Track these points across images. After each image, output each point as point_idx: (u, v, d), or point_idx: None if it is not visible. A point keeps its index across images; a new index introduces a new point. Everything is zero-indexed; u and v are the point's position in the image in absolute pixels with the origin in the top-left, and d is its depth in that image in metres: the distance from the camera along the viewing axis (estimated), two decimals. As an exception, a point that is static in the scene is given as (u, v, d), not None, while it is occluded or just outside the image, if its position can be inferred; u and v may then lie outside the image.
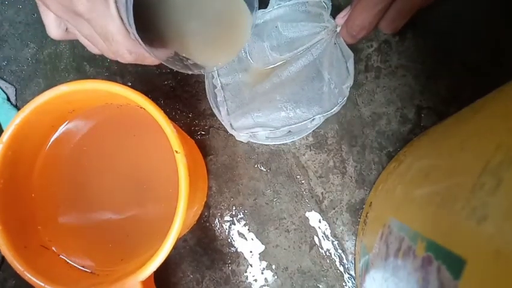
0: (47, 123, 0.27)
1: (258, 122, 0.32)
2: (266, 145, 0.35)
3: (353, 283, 0.33)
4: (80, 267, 0.27)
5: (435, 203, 0.19)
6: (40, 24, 0.27)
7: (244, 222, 0.35)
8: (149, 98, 0.24)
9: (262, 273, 0.34)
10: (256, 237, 0.35)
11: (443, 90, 0.34)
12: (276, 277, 0.34)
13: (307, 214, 0.34)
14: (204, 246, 0.35)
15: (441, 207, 0.18)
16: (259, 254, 0.34)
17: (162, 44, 0.27)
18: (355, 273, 0.33)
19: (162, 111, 0.24)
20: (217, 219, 0.35)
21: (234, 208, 0.35)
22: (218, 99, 0.33)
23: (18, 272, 0.23)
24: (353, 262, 0.34)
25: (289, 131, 0.32)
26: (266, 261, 0.34)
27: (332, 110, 0.31)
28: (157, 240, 0.23)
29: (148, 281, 0.23)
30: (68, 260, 0.27)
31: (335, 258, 0.34)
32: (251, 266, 0.34)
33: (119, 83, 0.24)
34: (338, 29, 0.31)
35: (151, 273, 0.22)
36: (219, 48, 0.29)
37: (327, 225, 0.34)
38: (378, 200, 0.30)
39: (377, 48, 0.35)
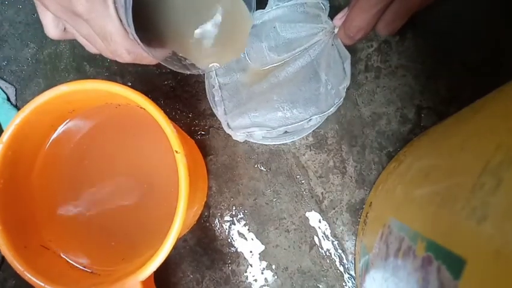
0: (47, 123, 0.27)
1: (254, 122, 0.32)
2: (266, 145, 0.35)
3: (353, 283, 0.33)
4: (80, 267, 0.27)
5: (435, 203, 0.19)
6: (40, 24, 0.27)
7: (244, 222, 0.35)
8: (149, 98, 0.24)
9: (262, 273, 0.34)
10: (256, 237, 0.35)
11: (443, 90, 0.34)
12: (276, 277, 0.34)
13: (307, 214, 0.34)
14: (204, 246, 0.35)
15: (441, 207, 0.18)
16: (259, 254, 0.34)
17: (160, 44, 0.27)
18: (355, 273, 0.33)
19: (162, 111, 0.24)
20: (217, 219, 0.35)
21: (234, 208, 0.35)
22: (215, 98, 0.33)
23: (18, 272, 0.23)
24: (353, 262, 0.34)
25: (286, 131, 0.33)
26: (266, 261, 0.34)
27: (329, 111, 0.31)
28: (157, 240, 0.23)
29: (148, 281, 0.23)
30: (68, 260, 0.27)
31: (335, 258, 0.34)
32: (251, 266, 0.34)
33: (119, 83, 0.24)
34: (336, 30, 0.31)
35: (151, 273, 0.22)
36: (217, 49, 0.29)
37: (327, 225, 0.34)
38: (378, 200, 0.30)
39: (377, 48, 0.35)
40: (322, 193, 0.35)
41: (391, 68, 0.35)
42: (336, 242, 0.34)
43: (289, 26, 0.33)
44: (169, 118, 0.24)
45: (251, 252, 0.34)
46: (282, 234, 0.34)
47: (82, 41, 0.26)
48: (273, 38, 0.33)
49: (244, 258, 0.34)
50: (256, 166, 0.35)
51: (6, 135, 0.24)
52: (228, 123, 0.32)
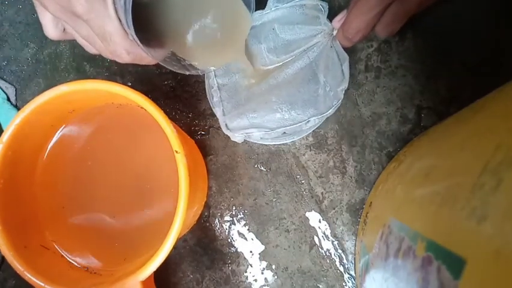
0: (47, 123, 0.27)
1: (253, 123, 0.32)
2: (266, 145, 0.35)
3: (353, 283, 0.33)
4: (81, 267, 0.27)
5: (435, 203, 0.19)
6: (40, 24, 0.27)
7: (244, 222, 0.35)
8: (149, 98, 0.24)
9: (262, 273, 0.34)
10: (256, 237, 0.35)
11: (443, 90, 0.34)
12: (276, 277, 0.34)
13: (307, 214, 0.34)
14: (204, 246, 0.35)
15: (441, 207, 0.18)
16: (259, 254, 0.34)
17: (160, 44, 0.27)
18: (355, 273, 0.33)
19: (162, 111, 0.24)
20: (217, 219, 0.35)
21: (234, 208, 0.35)
22: (214, 99, 0.33)
23: (18, 272, 0.23)
24: (353, 262, 0.34)
25: (284, 132, 0.33)
26: (266, 261, 0.34)
27: (327, 113, 0.31)
28: (157, 240, 0.23)
29: (148, 281, 0.23)
30: (70, 260, 0.27)
31: (335, 258, 0.34)
32: (251, 266, 0.34)
33: (119, 83, 0.24)
34: (334, 32, 0.31)
35: (151, 273, 0.22)
36: (216, 50, 0.29)
37: (327, 225, 0.34)
38: (378, 200, 0.30)
39: (377, 48, 0.35)
40: (322, 193, 0.35)
41: (391, 68, 0.35)
42: (336, 242, 0.34)
43: (288, 28, 0.33)
44: (169, 118, 0.24)
45: (251, 252, 0.34)
46: (282, 234, 0.34)
47: (81, 41, 0.26)
48: (272, 39, 0.33)
49: (244, 258, 0.34)
50: (256, 166, 0.35)
51: (6, 135, 0.24)
52: (226, 124, 0.33)
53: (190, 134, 0.36)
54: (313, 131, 0.34)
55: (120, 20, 0.23)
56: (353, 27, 0.28)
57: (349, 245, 0.34)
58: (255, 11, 0.32)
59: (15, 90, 0.38)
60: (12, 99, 0.37)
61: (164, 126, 0.23)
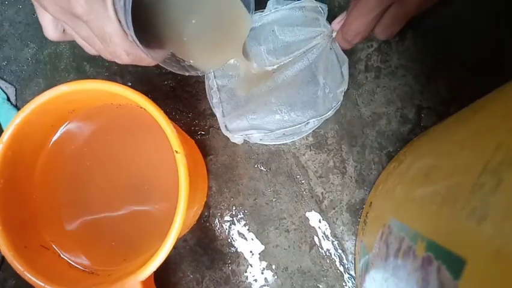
0: (47, 123, 0.27)
1: (252, 125, 0.32)
2: (266, 145, 0.35)
3: (353, 283, 0.33)
4: (81, 267, 0.27)
5: (435, 203, 0.19)
6: (40, 25, 0.27)
7: (244, 222, 0.35)
8: (149, 98, 0.24)
9: (262, 273, 0.34)
10: (256, 237, 0.35)
11: (443, 90, 0.34)
12: (276, 277, 0.34)
13: (307, 214, 0.34)
14: (204, 246, 0.35)
15: (441, 207, 0.18)
16: (259, 254, 0.34)
17: (159, 45, 0.27)
18: (355, 273, 0.33)
19: (162, 111, 0.24)
20: (217, 219, 0.35)
21: (234, 208, 0.35)
22: (214, 100, 0.33)
23: (18, 272, 0.23)
24: (353, 262, 0.34)
25: (284, 134, 0.33)
26: (266, 261, 0.34)
27: (326, 114, 0.31)
28: (157, 240, 0.23)
29: (148, 281, 0.23)
30: (69, 260, 0.27)
31: (335, 258, 0.34)
32: (251, 266, 0.34)
33: (119, 83, 0.24)
34: (334, 34, 0.31)
35: (151, 273, 0.22)
36: (216, 51, 0.29)
37: (327, 225, 0.34)
38: (378, 200, 0.30)
39: (377, 48, 0.35)
40: (322, 193, 0.35)
41: (391, 68, 0.35)
42: (336, 242, 0.34)
43: (288, 30, 0.33)
44: (169, 118, 0.24)
45: (251, 252, 0.34)
46: (282, 234, 0.34)
47: (81, 42, 0.26)
48: (271, 41, 0.33)
49: (244, 258, 0.34)
50: (256, 166, 0.35)
51: (6, 135, 0.24)
52: (225, 125, 0.33)
53: (190, 134, 0.36)
54: (313, 131, 0.34)
55: (120, 21, 0.23)
56: (352, 29, 0.28)
57: (349, 245, 0.34)
58: (255, 12, 0.32)
59: (15, 90, 0.38)
60: (12, 99, 0.37)
61: (164, 126, 0.23)
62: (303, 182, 0.35)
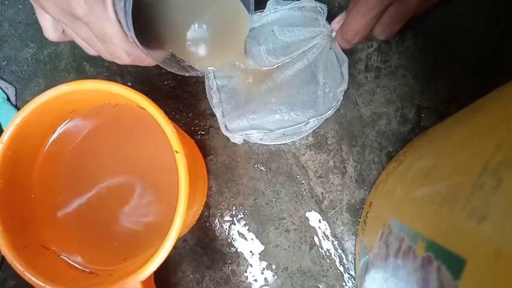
0: (47, 123, 0.27)
1: (252, 124, 0.32)
2: (266, 145, 0.35)
3: (353, 283, 0.33)
4: (81, 267, 0.27)
5: (435, 203, 0.19)
6: (40, 25, 0.27)
7: (244, 222, 0.35)
8: (149, 98, 0.24)
9: (262, 273, 0.34)
10: (256, 237, 0.35)
11: (443, 90, 0.34)
12: (276, 277, 0.34)
13: (307, 214, 0.34)
14: (204, 246, 0.35)
15: (441, 207, 0.18)
16: (259, 254, 0.34)
17: (159, 45, 0.27)
18: (355, 273, 0.33)
19: (162, 111, 0.24)
20: (217, 219, 0.35)
21: (234, 208, 0.35)
22: (214, 100, 0.33)
23: (18, 272, 0.23)
24: (353, 262, 0.34)
25: (284, 134, 0.33)
26: (266, 261, 0.34)
27: (326, 114, 0.31)
28: (157, 240, 0.23)
29: (148, 281, 0.23)
30: (69, 260, 0.27)
31: (335, 258, 0.34)
32: (251, 266, 0.34)
33: (119, 83, 0.24)
34: (333, 34, 0.31)
35: (151, 273, 0.22)
36: (216, 51, 0.29)
37: (327, 225, 0.34)
38: (378, 200, 0.30)
39: (377, 48, 0.35)
40: (322, 193, 0.35)
41: (391, 68, 0.35)
42: (336, 242, 0.34)
43: (288, 30, 0.33)
44: (169, 118, 0.24)
45: (251, 252, 0.34)
46: (282, 234, 0.34)
47: (81, 43, 0.26)
48: (271, 41, 0.33)
49: (244, 258, 0.34)
50: (256, 166, 0.35)
51: (6, 135, 0.24)
52: (225, 125, 0.33)
53: (190, 134, 0.36)
54: (313, 131, 0.34)
55: (120, 22, 0.23)
56: (351, 29, 0.28)
57: (349, 245, 0.34)
58: (254, 12, 0.32)
59: (15, 90, 0.38)
60: (12, 99, 0.37)
61: (164, 126, 0.23)
62: (303, 182, 0.35)
